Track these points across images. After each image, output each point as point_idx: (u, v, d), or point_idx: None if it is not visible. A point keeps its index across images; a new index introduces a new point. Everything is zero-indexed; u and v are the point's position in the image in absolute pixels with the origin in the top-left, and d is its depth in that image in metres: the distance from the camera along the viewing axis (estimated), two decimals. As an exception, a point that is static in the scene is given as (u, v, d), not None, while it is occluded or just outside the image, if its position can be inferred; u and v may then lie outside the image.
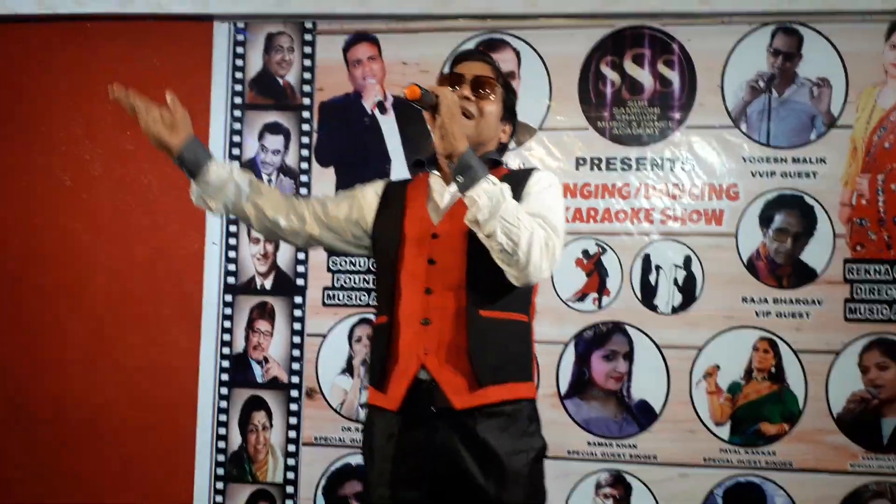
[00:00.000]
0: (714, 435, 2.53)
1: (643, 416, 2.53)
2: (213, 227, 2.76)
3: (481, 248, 1.36)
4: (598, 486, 2.53)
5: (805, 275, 2.52)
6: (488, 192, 1.31)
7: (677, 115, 2.59)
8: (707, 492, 2.50)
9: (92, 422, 2.77)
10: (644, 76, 2.61)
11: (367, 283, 2.69)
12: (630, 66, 2.62)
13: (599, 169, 2.61)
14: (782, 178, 2.54)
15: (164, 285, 2.78)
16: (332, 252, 2.38)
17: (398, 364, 1.42)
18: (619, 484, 2.53)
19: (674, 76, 2.60)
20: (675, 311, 2.55)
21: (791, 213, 2.54)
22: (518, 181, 1.46)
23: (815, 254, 2.52)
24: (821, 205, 2.51)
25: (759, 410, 2.52)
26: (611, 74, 2.62)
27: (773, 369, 2.53)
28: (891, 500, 2.46)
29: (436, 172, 1.58)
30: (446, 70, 1.65)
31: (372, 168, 2.69)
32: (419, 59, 2.71)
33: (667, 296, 2.55)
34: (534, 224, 1.36)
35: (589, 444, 2.54)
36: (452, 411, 1.37)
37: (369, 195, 1.63)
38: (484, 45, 2.67)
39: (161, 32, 2.78)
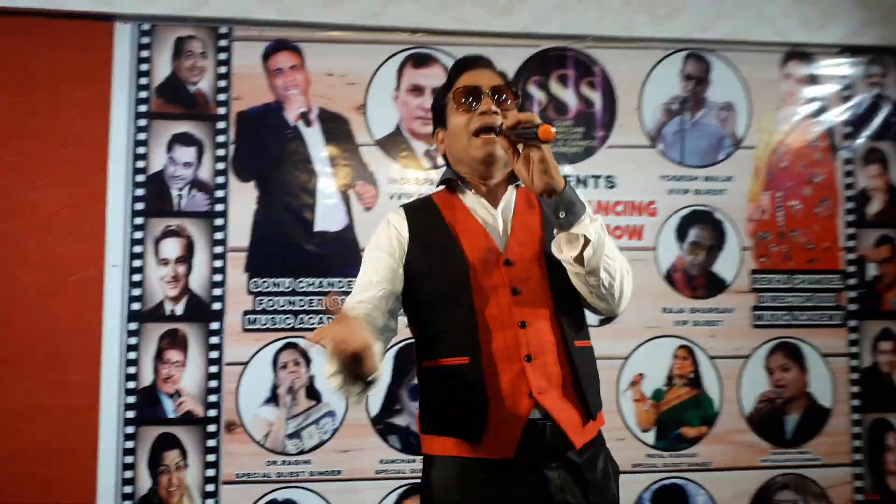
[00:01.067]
0: (641, 441, 2.74)
1: (576, 427, 2.71)
2: (114, 247, 2.57)
3: (557, 275, 1.37)
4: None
5: (717, 285, 2.82)
6: (594, 229, 1.30)
7: (600, 135, 2.79)
8: (637, 496, 2.71)
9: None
10: (568, 96, 2.79)
11: (292, 304, 2.63)
12: (555, 87, 2.79)
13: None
14: (695, 195, 2.83)
15: (59, 316, 2.54)
16: None
17: (500, 407, 1.32)
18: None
19: (596, 97, 2.80)
20: (602, 323, 2.74)
21: (704, 228, 2.83)
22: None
23: (726, 265, 2.82)
24: (729, 219, 2.83)
25: (680, 415, 2.78)
26: (537, 94, 2.78)
27: (691, 375, 2.79)
28: (794, 490, 2.81)
29: (469, 192, 1.49)
30: (447, 81, 1.54)
31: (296, 183, 2.67)
32: (346, 70, 2.71)
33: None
34: (621, 258, 1.37)
35: (525, 459, 2.68)
36: (564, 450, 1.33)
37: (397, 240, 1.47)
38: (412, 60, 2.74)
39: (57, 30, 2.57)
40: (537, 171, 1.27)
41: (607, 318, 1.51)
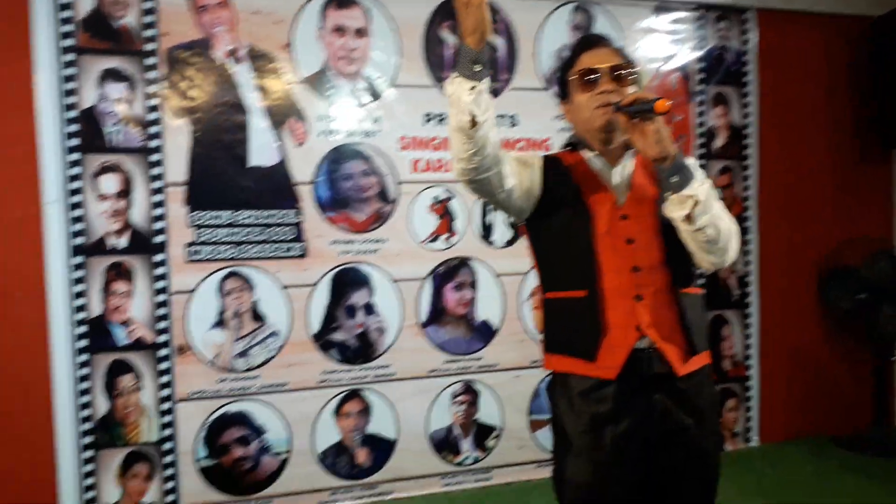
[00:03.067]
0: (538, 342, 3.55)
1: (486, 333, 3.40)
2: (50, 185, 2.82)
3: (670, 229, 1.63)
4: (454, 396, 3.36)
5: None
6: (703, 190, 1.54)
7: (504, 77, 3.39)
8: (534, 388, 3.47)
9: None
10: (477, 41, 3.35)
11: (233, 236, 3.04)
12: (466, 31, 3.33)
13: (444, 123, 3.31)
14: (582, 132, 3.56)
15: (-1, 254, 2.79)
16: (485, 197, 1.81)
17: (610, 336, 1.61)
18: (470, 391, 3.38)
19: (500, 44, 3.39)
20: (507, 244, 3.43)
21: (589, 160, 3.57)
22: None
23: (605, 192, 3.62)
24: (609, 153, 3.60)
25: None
26: (449, 38, 3.30)
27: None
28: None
29: (590, 153, 1.75)
30: (569, 57, 1.78)
31: (229, 120, 3.02)
32: (273, 9, 3.05)
33: (500, 233, 3.41)
34: (728, 215, 1.63)
35: (445, 362, 3.33)
36: (670, 377, 1.63)
37: (536, 168, 1.75)
38: (336, 1, 3.14)
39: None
40: (652, 140, 1.51)
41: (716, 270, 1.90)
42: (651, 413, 1.63)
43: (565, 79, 1.78)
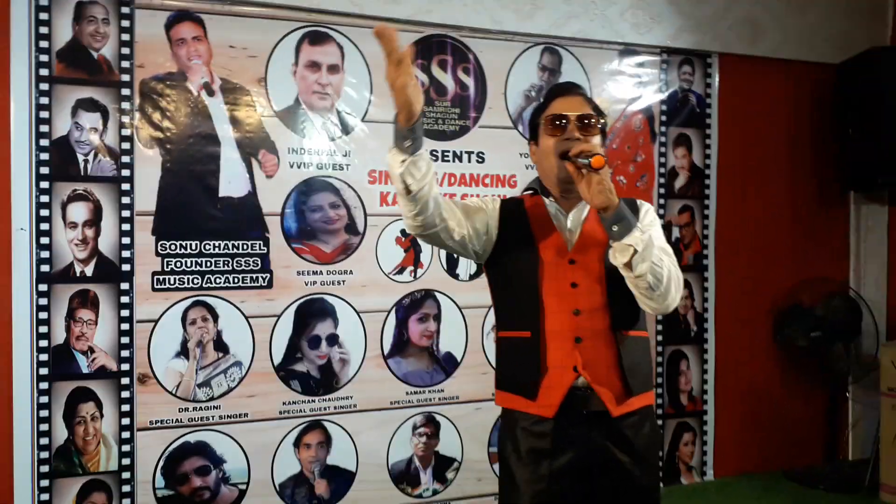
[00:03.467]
0: (499, 376, 3.65)
1: (449, 365, 3.50)
2: (20, 211, 2.87)
3: (615, 275, 1.74)
4: (415, 427, 3.45)
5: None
6: (642, 240, 1.65)
7: (473, 115, 3.52)
8: (494, 420, 3.55)
9: None
10: (447, 80, 3.47)
11: (200, 265, 3.11)
12: (436, 70, 3.46)
13: (413, 159, 3.44)
14: (547, 170, 3.71)
15: (-35, 278, 2.83)
16: (439, 247, 2.13)
17: (549, 376, 1.74)
18: (431, 423, 3.48)
19: (470, 82, 3.52)
20: (471, 278, 3.54)
21: (553, 198, 3.72)
22: (632, 210, 1.76)
23: (569, 229, 3.76)
24: (573, 191, 3.75)
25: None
26: (421, 76, 3.42)
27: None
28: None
29: (550, 199, 1.88)
30: (542, 101, 1.94)
31: (201, 151, 3.10)
32: (247, 43, 3.16)
33: (465, 266, 3.53)
34: (670, 263, 1.73)
35: (407, 393, 3.43)
36: (606, 416, 1.75)
37: (493, 212, 1.89)
38: (309, 38, 3.26)
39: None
40: (595, 191, 1.63)
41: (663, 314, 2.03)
42: (588, 448, 1.75)
43: (537, 121, 1.90)
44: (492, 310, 2.02)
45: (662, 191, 3.94)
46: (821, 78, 4.25)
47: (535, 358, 1.77)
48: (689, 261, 4.03)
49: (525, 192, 2.00)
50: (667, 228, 3.95)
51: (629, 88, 3.85)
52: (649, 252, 1.66)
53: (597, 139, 1.84)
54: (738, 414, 4.17)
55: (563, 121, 1.81)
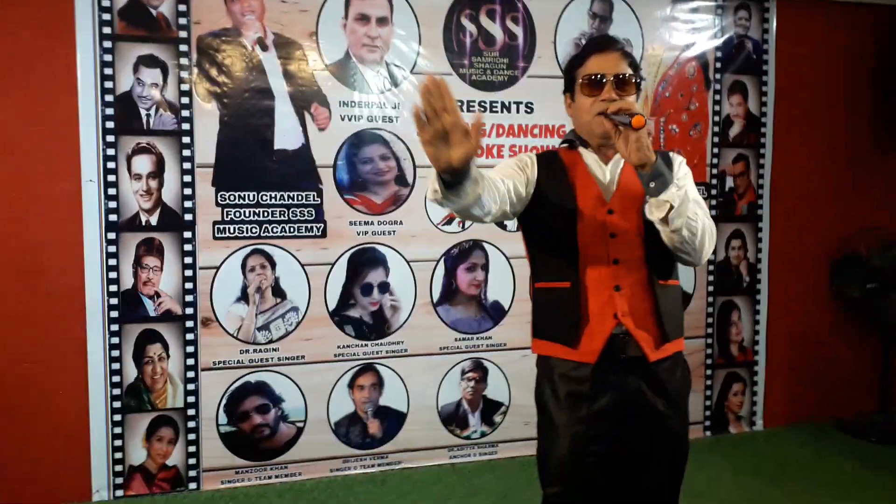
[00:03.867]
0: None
1: (496, 313, 3.59)
2: (89, 164, 3.03)
3: (652, 225, 1.74)
4: (463, 372, 3.57)
5: (610, 196, 3.75)
6: (678, 196, 1.65)
7: (521, 65, 3.52)
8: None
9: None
10: (496, 30, 3.47)
11: (257, 215, 3.24)
12: (485, 20, 3.45)
13: (462, 111, 3.42)
14: (597, 120, 3.69)
15: (39, 227, 3.01)
16: None
17: (591, 323, 1.76)
18: (479, 368, 3.58)
19: (518, 31, 3.51)
20: (519, 229, 3.59)
21: (603, 148, 3.71)
22: (666, 164, 1.76)
23: (618, 180, 3.75)
24: (623, 141, 3.73)
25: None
26: (469, 26, 3.43)
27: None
28: (661, 357, 3.92)
29: (585, 150, 1.88)
30: (571, 64, 1.89)
31: (256, 105, 3.20)
32: (298, -1, 3.24)
33: (514, 216, 3.59)
34: (704, 216, 1.74)
35: (455, 339, 3.53)
36: (643, 361, 1.79)
37: (530, 168, 1.87)
38: (359, -10, 3.31)
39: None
40: (633, 148, 1.62)
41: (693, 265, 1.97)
42: (625, 393, 1.78)
43: (572, 76, 1.89)
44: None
45: (716, 139, 3.87)
46: (883, 22, 4.08)
47: (576, 307, 1.79)
48: (742, 211, 3.98)
49: (562, 145, 1.98)
50: (721, 178, 3.91)
51: (683, 35, 3.77)
52: (685, 207, 1.67)
53: (633, 97, 1.82)
54: (789, 364, 4.15)
55: (601, 80, 1.80)
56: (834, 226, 4.13)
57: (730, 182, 3.94)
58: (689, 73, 3.80)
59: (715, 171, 3.89)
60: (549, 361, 1.87)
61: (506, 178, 1.80)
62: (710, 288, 3.96)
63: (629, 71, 1.82)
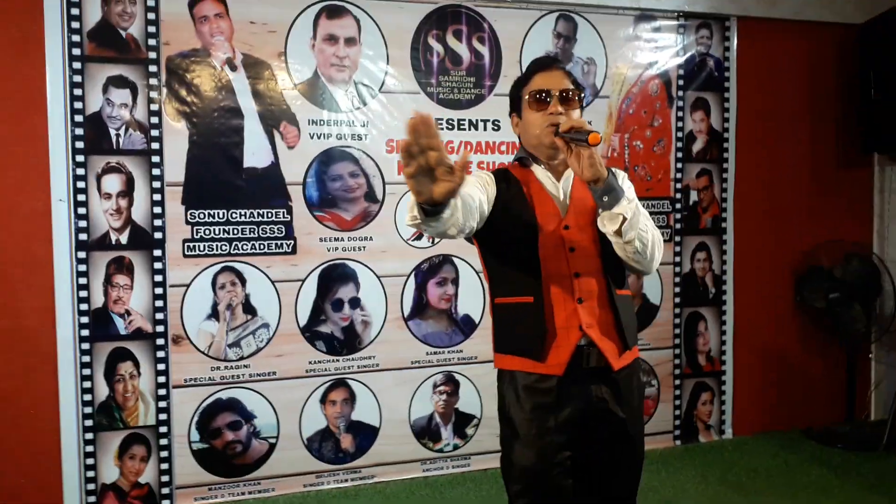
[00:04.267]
0: (517, 337, 3.74)
1: (467, 327, 3.61)
2: (59, 183, 3.04)
3: (605, 239, 1.81)
4: (435, 386, 3.58)
5: (578, 210, 3.80)
6: (630, 209, 1.72)
7: (488, 84, 3.58)
8: (513, 380, 3.72)
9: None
10: (462, 49, 3.53)
11: (227, 233, 3.25)
12: (451, 40, 3.51)
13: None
14: (563, 136, 3.74)
15: (9, 246, 3.01)
16: None
17: (557, 337, 1.80)
18: (450, 381, 3.60)
19: (485, 51, 3.56)
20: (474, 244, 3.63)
21: (569, 164, 3.76)
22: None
23: (585, 194, 3.80)
24: (588, 157, 3.78)
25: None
26: (436, 46, 3.48)
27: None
28: (630, 368, 3.95)
29: (538, 166, 1.93)
30: (523, 75, 1.96)
31: (225, 124, 3.23)
32: (267, 19, 3.26)
33: (482, 231, 3.62)
34: (652, 228, 1.81)
35: (427, 353, 3.55)
36: (606, 370, 1.83)
37: (491, 186, 1.89)
38: (326, 12, 3.34)
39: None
40: (586, 164, 1.67)
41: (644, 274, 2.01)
42: (589, 402, 1.82)
43: (518, 95, 1.95)
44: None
45: (680, 154, 3.94)
46: (842, 39, 4.19)
47: (541, 321, 1.82)
48: (707, 224, 4.04)
49: (513, 163, 2.02)
50: (685, 192, 3.97)
51: (646, 54, 3.85)
52: (637, 219, 1.73)
53: (577, 112, 1.88)
54: (756, 374, 4.20)
55: (546, 96, 1.86)
56: (798, 238, 4.20)
57: (694, 196, 4.00)
58: (652, 90, 3.87)
59: (679, 185, 3.96)
60: (514, 375, 1.88)
61: (474, 194, 1.81)
62: (677, 300, 4.01)
63: (572, 87, 1.89)
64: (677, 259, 4.00)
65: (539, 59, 2.00)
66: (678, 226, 3.97)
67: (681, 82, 3.92)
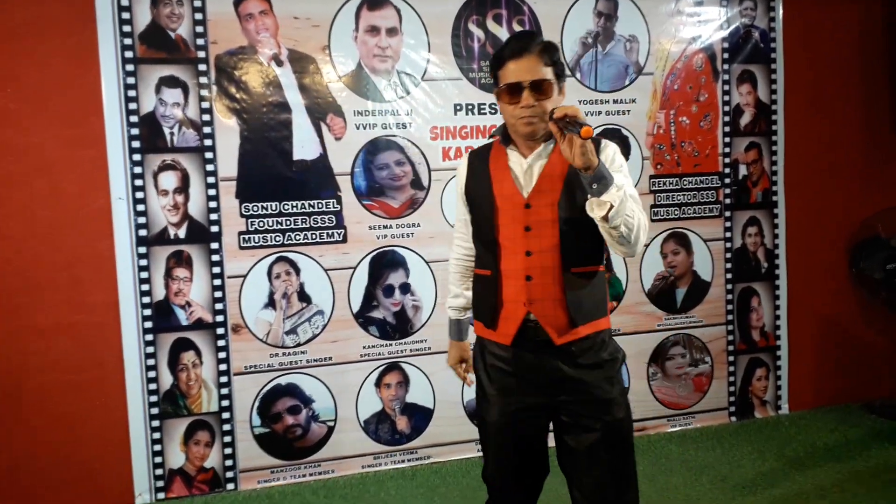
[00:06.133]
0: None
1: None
2: (117, 182, 3.02)
3: (567, 217, 1.81)
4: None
5: (624, 189, 3.64)
6: (618, 196, 1.68)
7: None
8: (565, 360, 3.59)
9: (15, 390, 2.99)
10: (503, 33, 3.38)
11: (280, 224, 3.20)
12: (492, 25, 3.37)
13: (473, 113, 3.38)
14: (606, 116, 3.56)
15: (75, 245, 3.01)
16: None
17: (505, 309, 1.86)
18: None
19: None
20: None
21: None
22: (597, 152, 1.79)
23: (631, 173, 3.60)
24: (633, 135, 3.60)
25: (597, 294, 3.66)
26: (477, 31, 3.35)
27: (604, 262, 3.64)
28: (682, 346, 3.78)
29: (510, 148, 1.91)
30: (494, 63, 1.88)
31: (273, 118, 3.17)
32: (310, 13, 3.17)
33: (529, 214, 3.50)
34: (639, 212, 1.77)
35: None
36: (552, 344, 1.86)
37: (462, 183, 2.00)
38: (367, 4, 3.24)
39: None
40: (578, 153, 1.63)
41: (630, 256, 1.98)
42: (542, 370, 1.88)
43: (496, 75, 1.88)
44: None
45: (728, 129, 3.73)
46: (893, 2, 3.89)
47: (495, 294, 1.91)
48: (757, 198, 3.82)
49: (492, 138, 2.01)
50: (733, 167, 3.77)
51: (689, 28, 3.63)
52: (624, 206, 1.70)
53: (551, 101, 1.82)
54: (813, 348, 3.97)
55: (519, 88, 1.80)
56: (853, 208, 3.95)
57: (743, 170, 3.78)
58: (696, 65, 3.67)
59: (727, 160, 3.74)
60: (482, 340, 1.99)
61: (465, 221, 2.06)
62: (729, 275, 3.81)
63: (546, 76, 1.81)
64: (728, 235, 3.79)
65: (512, 41, 1.89)
66: (728, 201, 3.76)
67: (726, 56, 3.70)
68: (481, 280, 1.98)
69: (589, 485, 1.88)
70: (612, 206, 1.68)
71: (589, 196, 1.73)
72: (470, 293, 2.09)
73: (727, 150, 3.74)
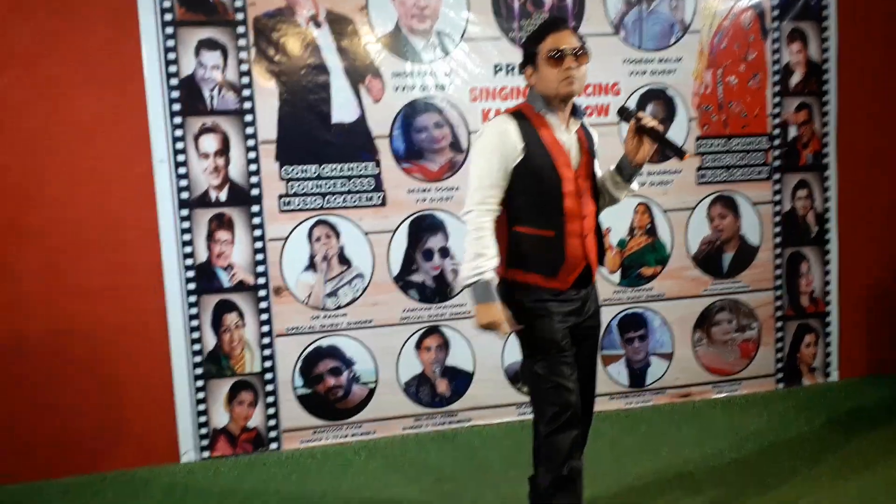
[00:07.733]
0: (609, 281, 3.40)
1: (558, 274, 3.32)
2: (159, 145, 2.92)
3: (594, 186, 2.14)
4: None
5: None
6: (638, 183, 2.25)
7: (571, 25, 3.20)
8: (607, 324, 3.38)
9: (62, 351, 2.93)
10: (544, -10, 3.20)
11: (320, 188, 3.07)
12: (533, -18, 3.19)
13: (513, 74, 3.19)
14: (651, 76, 3.32)
15: (119, 209, 2.92)
16: None
17: (567, 263, 2.06)
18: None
19: (567, -9, 3.23)
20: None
21: (658, 103, 3.35)
22: (588, 138, 2.14)
23: (677, 134, 3.37)
24: (679, 95, 3.35)
25: (640, 258, 3.42)
26: (518, -11, 3.18)
27: (648, 226, 3.41)
28: (729, 311, 3.55)
29: (552, 115, 2.05)
30: (533, 39, 2.03)
31: (312, 80, 3.02)
32: (348, -25, 3.02)
33: (570, 176, 3.30)
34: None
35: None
36: (589, 284, 2.17)
37: (510, 145, 2.01)
38: (406, -38, 3.07)
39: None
40: (643, 153, 2.07)
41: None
42: (578, 302, 2.12)
43: (533, 51, 2.04)
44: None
45: (777, 88, 3.45)
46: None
47: (560, 251, 2.07)
48: (807, 160, 3.54)
49: (527, 104, 2.10)
50: (783, 128, 3.49)
51: (737, -16, 3.37)
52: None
53: (587, 67, 2.03)
54: (864, 315, 3.68)
55: (561, 54, 1.99)
56: (907, 171, 3.65)
57: (793, 132, 3.50)
58: (744, 23, 3.39)
59: (777, 120, 3.47)
60: (528, 286, 2.10)
61: (499, 185, 2.04)
62: (777, 240, 3.55)
63: (581, 46, 2.03)
64: (777, 198, 3.53)
65: (549, 21, 2.15)
66: (777, 163, 3.50)
67: (775, 13, 3.41)
68: (538, 238, 2.08)
69: (587, 366, 2.20)
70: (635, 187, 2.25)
71: (625, 182, 2.16)
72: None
73: (776, 110, 3.47)
